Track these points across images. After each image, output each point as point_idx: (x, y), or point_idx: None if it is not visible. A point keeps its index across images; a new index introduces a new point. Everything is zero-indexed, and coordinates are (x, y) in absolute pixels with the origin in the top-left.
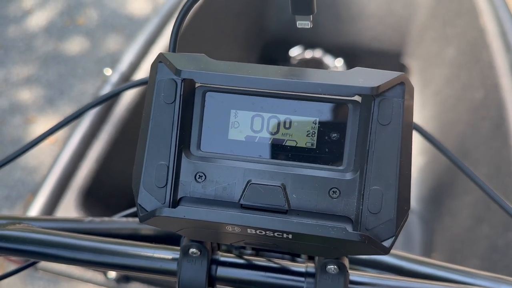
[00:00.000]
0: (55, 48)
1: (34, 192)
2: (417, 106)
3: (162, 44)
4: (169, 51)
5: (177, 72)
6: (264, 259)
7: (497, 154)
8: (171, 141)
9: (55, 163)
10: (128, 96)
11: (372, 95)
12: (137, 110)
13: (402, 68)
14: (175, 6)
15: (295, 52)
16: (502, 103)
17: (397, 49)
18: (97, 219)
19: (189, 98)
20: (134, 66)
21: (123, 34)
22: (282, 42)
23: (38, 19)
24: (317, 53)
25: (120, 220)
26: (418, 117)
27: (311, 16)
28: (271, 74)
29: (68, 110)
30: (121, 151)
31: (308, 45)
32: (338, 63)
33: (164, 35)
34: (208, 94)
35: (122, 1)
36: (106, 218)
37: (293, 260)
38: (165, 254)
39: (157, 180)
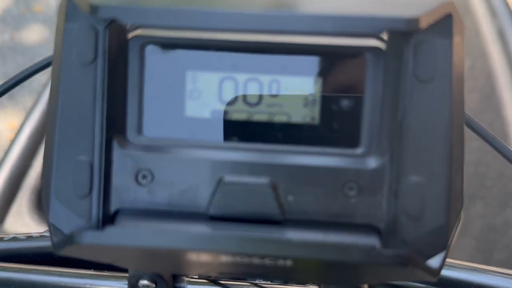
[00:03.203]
0: (11, 38)
1: None
2: None
3: None
4: None
5: (93, 9)
6: (247, 283)
7: (490, 127)
8: (93, 124)
9: (2, 163)
10: None
11: (407, 34)
12: None
13: None
14: None
15: None
16: (491, 72)
17: None
18: (22, 235)
19: (120, 55)
20: None
21: None
22: None
23: None
24: None
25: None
26: None
27: None
28: (247, 5)
29: (29, 103)
30: None
31: None
32: None
33: None
34: (149, 48)
35: None
36: (34, 234)
37: (286, 283)
38: (110, 285)
39: (76, 185)
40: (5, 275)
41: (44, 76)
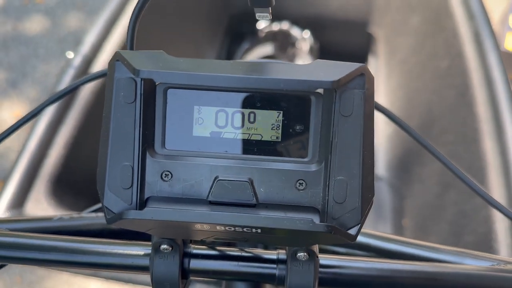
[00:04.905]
0: (14, 29)
1: (4, 179)
2: (383, 75)
3: (125, 23)
4: (127, 48)
5: (135, 72)
6: (237, 249)
7: (463, 122)
8: (134, 141)
9: (22, 152)
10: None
11: (334, 88)
12: (103, 93)
13: (368, 37)
14: None
15: (262, 25)
16: (466, 71)
17: (363, 18)
18: (66, 216)
19: (150, 96)
20: (97, 47)
21: (84, 11)
22: (248, 15)
23: None
24: (284, 25)
25: (89, 216)
26: (385, 86)
27: (270, 8)
28: (232, 70)
29: (32, 92)
30: (89, 136)
31: (275, 17)
32: (305, 35)
33: (126, 14)
34: (169, 91)
35: None
36: (75, 215)
37: (265, 248)
38: (137, 250)
39: (122, 181)
40: (59, 244)
41: (47, 67)
